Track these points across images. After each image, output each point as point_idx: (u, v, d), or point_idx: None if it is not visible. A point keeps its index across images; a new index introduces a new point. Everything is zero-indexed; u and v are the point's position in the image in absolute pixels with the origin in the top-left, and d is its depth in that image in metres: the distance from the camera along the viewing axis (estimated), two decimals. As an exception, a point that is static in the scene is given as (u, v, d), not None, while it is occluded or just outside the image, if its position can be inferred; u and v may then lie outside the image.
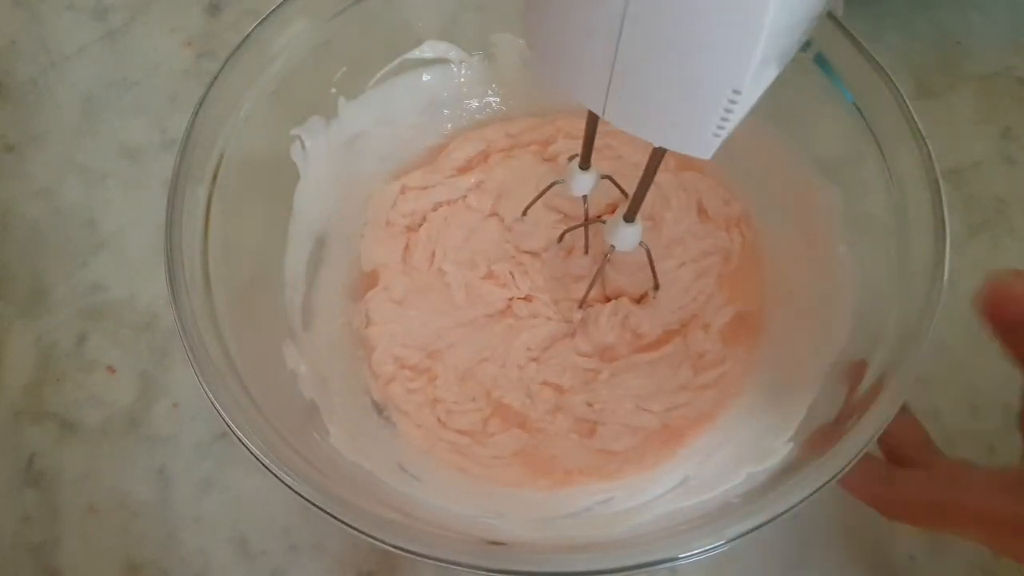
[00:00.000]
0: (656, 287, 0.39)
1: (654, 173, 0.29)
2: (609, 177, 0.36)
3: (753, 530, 0.27)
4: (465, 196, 0.42)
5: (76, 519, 0.39)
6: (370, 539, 0.27)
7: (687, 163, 0.42)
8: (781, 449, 0.31)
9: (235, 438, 0.40)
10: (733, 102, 0.21)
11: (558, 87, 0.25)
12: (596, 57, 0.23)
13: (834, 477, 0.27)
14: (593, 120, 0.30)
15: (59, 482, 0.40)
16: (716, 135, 0.23)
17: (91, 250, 0.44)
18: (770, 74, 0.22)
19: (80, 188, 0.46)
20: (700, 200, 0.41)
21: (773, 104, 0.34)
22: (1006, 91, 0.47)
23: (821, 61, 0.34)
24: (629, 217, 0.32)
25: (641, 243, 0.34)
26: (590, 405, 0.38)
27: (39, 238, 0.45)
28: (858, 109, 0.33)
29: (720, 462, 0.35)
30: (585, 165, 0.34)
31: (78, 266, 0.44)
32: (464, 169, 0.43)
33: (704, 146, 0.23)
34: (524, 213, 0.40)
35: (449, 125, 0.44)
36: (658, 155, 0.28)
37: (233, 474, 0.39)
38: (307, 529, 0.38)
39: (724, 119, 0.22)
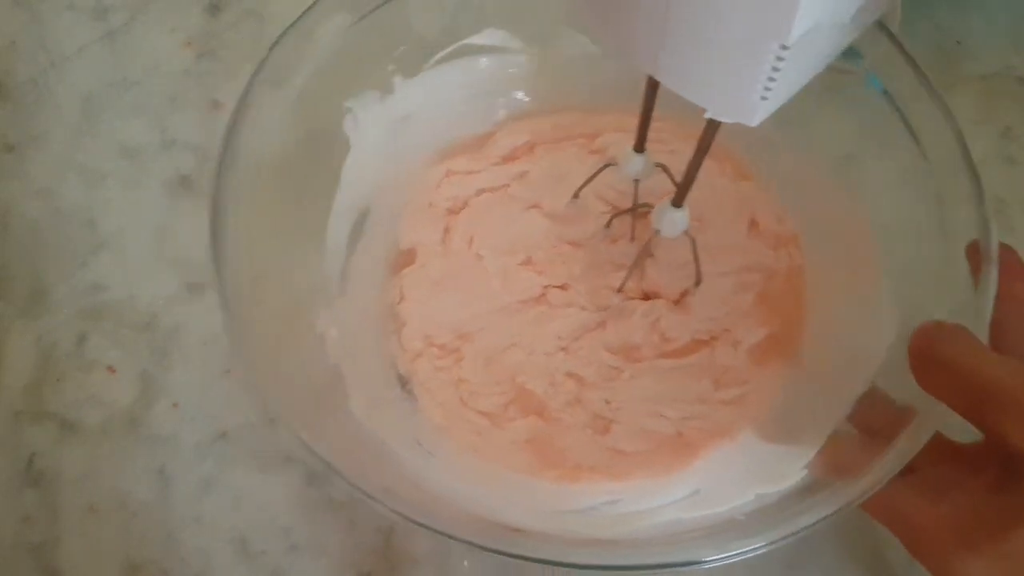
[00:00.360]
0: (698, 282, 0.39)
1: (705, 152, 0.28)
2: (661, 165, 0.36)
3: (761, 549, 0.27)
4: (508, 185, 0.42)
5: (76, 519, 0.39)
6: (381, 506, 0.27)
7: (744, 173, 0.42)
8: (796, 475, 0.31)
9: (234, 438, 0.40)
10: (780, 59, 0.21)
11: (612, 49, 0.25)
12: (651, 12, 0.23)
13: (845, 507, 0.27)
14: (650, 98, 0.30)
15: (59, 482, 0.40)
16: (764, 97, 0.22)
17: (91, 250, 0.44)
18: (826, 41, 0.22)
19: (80, 188, 0.46)
20: (754, 213, 0.41)
21: (825, 127, 0.35)
22: (1006, 91, 0.47)
23: (872, 79, 0.34)
24: (677, 202, 0.32)
25: (686, 232, 0.34)
26: (608, 402, 0.38)
27: (39, 238, 0.45)
28: (912, 136, 0.33)
29: (732, 478, 0.35)
30: (639, 148, 0.33)
31: (78, 266, 0.44)
32: (510, 158, 0.43)
33: (749, 110, 0.23)
34: (575, 196, 0.41)
35: (500, 113, 0.44)
36: (709, 133, 0.27)
37: (233, 474, 0.39)
38: (307, 529, 0.38)
39: (771, 79, 0.22)
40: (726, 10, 0.21)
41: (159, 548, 0.38)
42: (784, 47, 0.21)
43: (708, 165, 0.40)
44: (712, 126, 0.27)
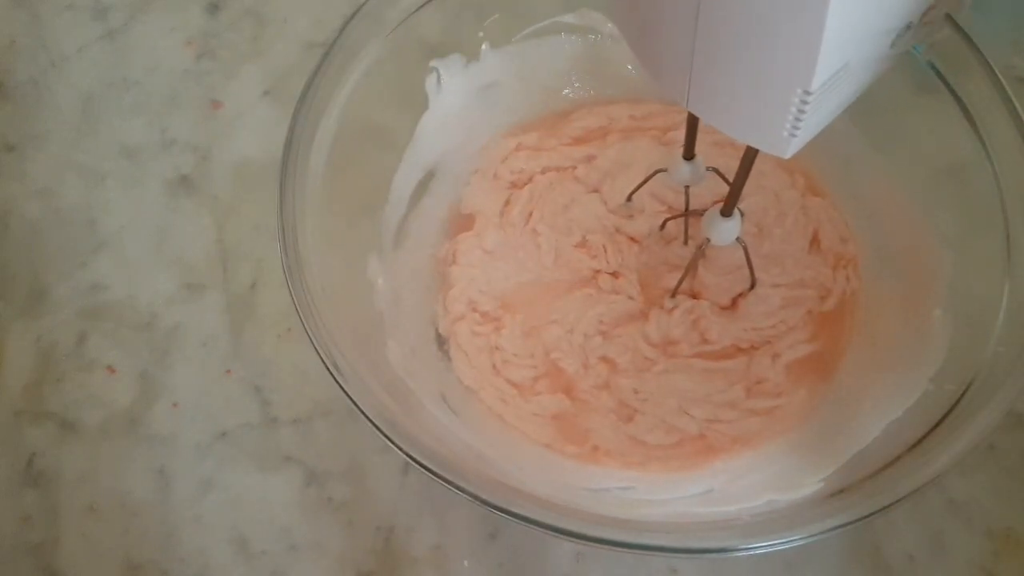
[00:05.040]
0: (752, 286, 0.39)
1: (750, 166, 0.29)
2: (715, 169, 0.36)
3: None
4: (575, 167, 0.43)
5: (76, 519, 0.39)
6: (399, 450, 0.29)
7: (816, 189, 0.41)
8: (811, 486, 0.32)
9: (233, 438, 0.40)
10: (805, 103, 0.21)
11: (648, 72, 0.25)
12: (678, 46, 0.23)
13: (854, 521, 0.27)
14: None
15: (59, 482, 0.40)
16: (792, 135, 0.22)
17: (91, 250, 0.44)
18: (855, 77, 0.22)
19: (80, 188, 0.46)
20: (817, 230, 0.40)
21: (912, 154, 0.36)
22: (1006, 91, 0.47)
23: (917, 49, 0.34)
24: (726, 211, 0.32)
25: (739, 239, 0.34)
26: (636, 392, 0.38)
27: (39, 238, 0.45)
28: (997, 184, 0.33)
29: (747, 482, 0.35)
30: (688, 155, 0.34)
31: (78, 266, 0.44)
32: (581, 140, 0.43)
33: (780, 145, 0.23)
34: (628, 198, 0.41)
35: (580, 94, 0.44)
36: (752, 149, 0.28)
37: (233, 474, 0.39)
38: (307, 529, 0.38)
39: (798, 119, 0.22)
40: (747, 57, 0.21)
41: (159, 548, 0.38)
42: (807, 92, 0.21)
43: (779, 176, 0.41)
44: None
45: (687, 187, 0.37)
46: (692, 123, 0.32)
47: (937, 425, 0.30)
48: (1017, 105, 0.32)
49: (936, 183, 0.36)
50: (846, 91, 0.22)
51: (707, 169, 0.35)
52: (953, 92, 0.33)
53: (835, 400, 0.37)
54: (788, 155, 0.23)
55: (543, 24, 0.41)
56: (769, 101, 0.22)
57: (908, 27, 0.22)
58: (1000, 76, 0.32)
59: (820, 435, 0.36)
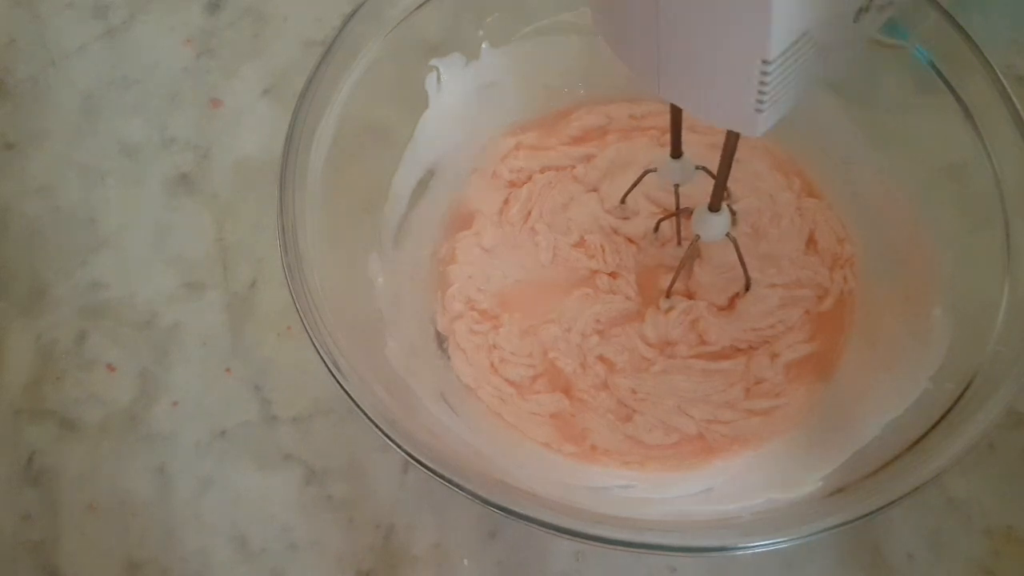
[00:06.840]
0: (747, 286, 0.39)
1: (731, 157, 0.29)
2: (703, 168, 0.36)
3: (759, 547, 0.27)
4: (574, 167, 0.43)
5: (76, 517, 0.39)
6: (398, 449, 0.28)
7: (812, 191, 0.42)
8: (811, 484, 0.32)
9: (233, 437, 0.40)
10: (765, 73, 0.21)
11: (627, 66, 0.26)
12: (645, 32, 0.23)
13: (854, 520, 0.27)
14: (678, 107, 0.30)
15: (59, 480, 0.40)
16: (758, 110, 0.22)
17: (91, 249, 0.44)
18: (818, 52, 0.22)
19: (80, 187, 0.46)
20: (814, 231, 0.41)
21: (909, 152, 0.36)
22: (1006, 91, 0.47)
23: (919, 50, 0.34)
24: (713, 206, 0.32)
25: (728, 235, 0.34)
26: (634, 392, 0.38)
27: (39, 237, 0.45)
28: (997, 184, 0.33)
29: (747, 481, 0.35)
30: (676, 154, 0.34)
31: (78, 265, 0.44)
32: (580, 140, 0.44)
33: (750, 122, 0.23)
34: (622, 201, 0.41)
35: (580, 93, 0.44)
36: (731, 139, 0.28)
37: (233, 472, 0.39)
38: (306, 527, 0.38)
39: (762, 91, 0.22)
40: (706, 31, 0.21)
41: (159, 546, 0.38)
42: (766, 62, 0.21)
43: (775, 178, 0.41)
44: (733, 134, 0.27)
45: (676, 186, 0.37)
46: (676, 120, 0.32)
47: (936, 424, 0.30)
48: (1017, 105, 0.32)
49: (936, 183, 0.36)
50: (811, 66, 0.23)
51: (696, 168, 0.35)
52: (953, 92, 0.33)
53: (834, 400, 0.37)
54: (759, 133, 0.23)
55: (543, 23, 0.41)
56: (732, 76, 0.22)
57: (869, 1, 0.22)
58: (1000, 76, 0.32)
59: (819, 435, 0.36)
